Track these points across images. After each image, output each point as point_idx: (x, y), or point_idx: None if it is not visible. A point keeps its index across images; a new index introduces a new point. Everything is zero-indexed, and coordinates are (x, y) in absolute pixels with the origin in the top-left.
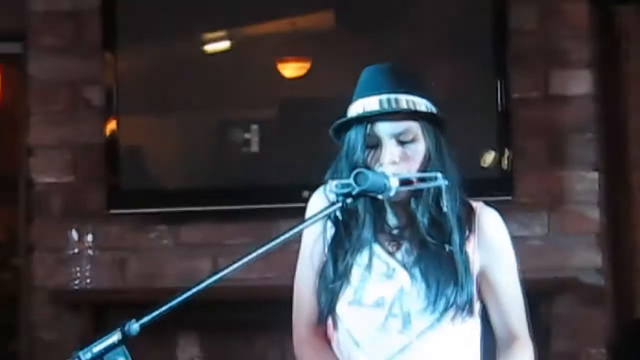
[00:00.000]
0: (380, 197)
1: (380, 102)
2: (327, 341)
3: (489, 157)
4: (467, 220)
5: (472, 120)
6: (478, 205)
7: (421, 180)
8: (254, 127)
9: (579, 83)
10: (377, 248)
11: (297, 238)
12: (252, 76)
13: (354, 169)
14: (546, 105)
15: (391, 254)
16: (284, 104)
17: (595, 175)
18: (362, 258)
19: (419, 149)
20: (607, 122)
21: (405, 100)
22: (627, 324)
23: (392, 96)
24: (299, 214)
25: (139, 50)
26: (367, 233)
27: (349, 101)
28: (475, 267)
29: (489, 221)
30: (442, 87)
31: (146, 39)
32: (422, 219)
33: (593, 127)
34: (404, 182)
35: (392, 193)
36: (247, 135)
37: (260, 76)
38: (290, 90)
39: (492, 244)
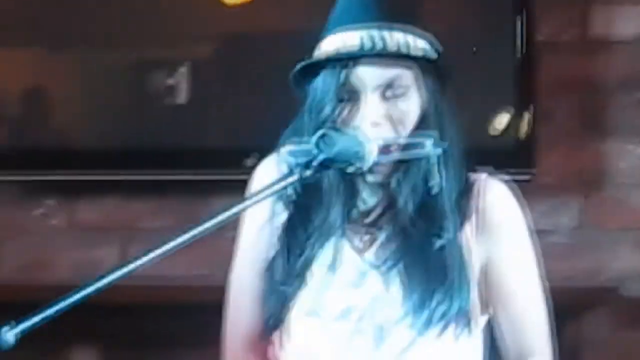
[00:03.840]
0: (351, 169)
1: (362, 39)
2: None
3: (501, 121)
4: (465, 200)
5: (479, 69)
6: (480, 177)
7: (405, 147)
8: (182, 69)
9: (630, 22)
10: (343, 242)
11: (236, 223)
12: (180, 1)
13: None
14: (583, 52)
15: (361, 251)
16: (223, 39)
17: None
18: (324, 254)
19: (411, 107)
20: None
21: (397, 40)
22: None
23: (378, 33)
24: (239, 189)
25: None
26: (334, 219)
27: (318, 35)
28: (475, 265)
29: (494, 198)
30: (439, 23)
31: None
32: (406, 203)
33: None
34: (383, 149)
35: (367, 164)
36: (171, 81)
37: (192, 1)
38: (231, 21)
39: (497, 229)
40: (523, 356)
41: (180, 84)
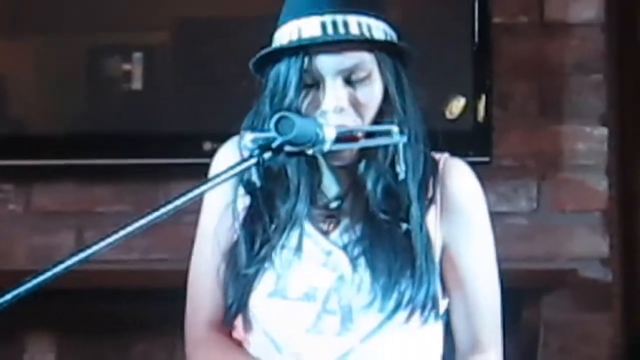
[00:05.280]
0: (310, 152)
1: (324, 25)
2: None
3: (458, 105)
4: (429, 182)
5: (436, 53)
6: (442, 158)
7: (369, 135)
8: (137, 55)
9: (586, 6)
10: (308, 226)
11: (196, 207)
12: None
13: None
14: (539, 35)
15: (325, 233)
16: (179, 24)
17: (603, 131)
18: (289, 239)
19: (375, 91)
20: (621, 60)
21: (358, 24)
22: None
23: (340, 17)
24: (197, 173)
25: None
26: (301, 206)
27: (275, 21)
28: (437, 247)
29: (455, 178)
30: (395, 8)
31: None
32: (374, 189)
33: (603, 66)
34: (345, 138)
35: (326, 147)
36: (127, 67)
37: None
38: (188, 6)
39: (458, 210)
40: (472, 349)
41: (136, 70)
